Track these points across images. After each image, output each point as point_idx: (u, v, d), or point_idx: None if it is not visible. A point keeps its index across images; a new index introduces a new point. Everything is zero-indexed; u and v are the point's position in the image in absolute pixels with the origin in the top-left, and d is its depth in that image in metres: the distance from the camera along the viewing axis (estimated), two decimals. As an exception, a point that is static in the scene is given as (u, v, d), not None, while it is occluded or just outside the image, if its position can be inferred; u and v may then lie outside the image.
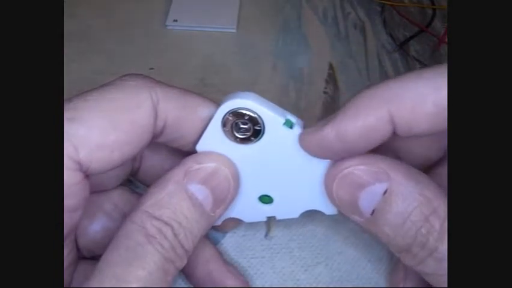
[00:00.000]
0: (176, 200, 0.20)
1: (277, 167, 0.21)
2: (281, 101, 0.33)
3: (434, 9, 0.40)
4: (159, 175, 0.22)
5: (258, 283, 0.25)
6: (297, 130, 0.20)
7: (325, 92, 0.34)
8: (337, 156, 0.20)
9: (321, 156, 0.20)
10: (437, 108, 0.18)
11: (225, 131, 0.20)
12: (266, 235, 0.26)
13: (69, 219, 0.19)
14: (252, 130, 0.20)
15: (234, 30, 0.38)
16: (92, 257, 0.23)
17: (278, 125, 0.20)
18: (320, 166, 0.21)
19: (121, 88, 0.20)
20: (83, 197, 0.19)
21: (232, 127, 0.20)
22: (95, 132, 0.19)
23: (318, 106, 0.33)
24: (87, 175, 0.19)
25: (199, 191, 0.20)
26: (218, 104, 0.21)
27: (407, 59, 0.37)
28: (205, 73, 0.35)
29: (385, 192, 0.19)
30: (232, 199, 0.21)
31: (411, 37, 0.38)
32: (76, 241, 0.22)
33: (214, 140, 0.21)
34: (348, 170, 0.20)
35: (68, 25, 0.37)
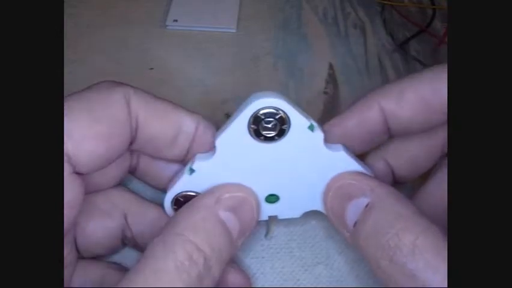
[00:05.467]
0: (210, 225, 0.20)
1: (290, 166, 0.22)
2: (281, 101, 0.33)
3: (434, 9, 0.40)
4: (158, 172, 0.23)
5: (258, 283, 0.25)
6: (317, 133, 0.21)
7: (325, 92, 0.34)
8: (343, 142, 0.23)
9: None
10: (416, 96, 0.21)
11: (250, 128, 0.21)
12: (266, 235, 0.26)
13: (65, 216, 0.19)
14: (277, 129, 0.21)
15: (234, 30, 0.38)
16: (92, 257, 0.23)
17: (303, 128, 0.21)
18: (330, 169, 0.22)
19: (96, 89, 0.21)
20: (77, 193, 0.19)
21: (258, 125, 0.21)
22: (79, 124, 0.19)
23: (318, 106, 0.33)
24: (79, 173, 0.19)
25: (229, 219, 0.21)
26: (186, 110, 0.22)
27: (407, 59, 0.37)
28: (205, 73, 0.35)
29: (367, 205, 0.20)
30: (252, 230, 0.22)
31: (411, 37, 0.38)
32: (74, 241, 0.22)
33: (237, 135, 0.21)
34: (342, 182, 0.22)
35: (68, 25, 0.37)
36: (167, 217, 0.23)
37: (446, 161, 0.24)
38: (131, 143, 0.21)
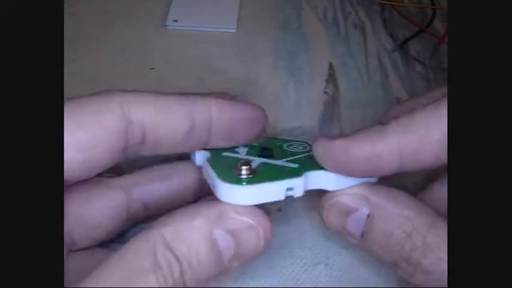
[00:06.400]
0: (197, 238, 0.18)
1: None
2: (281, 100, 0.33)
3: (434, 9, 0.40)
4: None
5: (258, 283, 0.25)
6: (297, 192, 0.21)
7: (325, 92, 0.34)
8: (340, 171, 0.21)
9: (324, 164, 0.21)
10: (443, 136, 0.18)
11: None
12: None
13: None
14: None
15: (234, 30, 0.38)
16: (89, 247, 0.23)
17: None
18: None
19: (93, 96, 0.20)
20: None
21: None
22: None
23: (318, 106, 0.33)
24: None
25: (223, 239, 0.19)
26: (196, 97, 0.21)
27: (407, 59, 0.37)
28: (205, 73, 0.35)
29: (369, 216, 0.20)
30: (255, 258, 0.21)
31: (411, 37, 0.38)
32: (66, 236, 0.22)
33: None
34: (334, 200, 0.21)
35: (68, 25, 0.37)
36: (174, 177, 0.24)
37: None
38: (141, 144, 0.20)
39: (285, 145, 0.24)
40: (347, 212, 0.21)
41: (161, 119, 0.20)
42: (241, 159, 0.22)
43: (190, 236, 0.18)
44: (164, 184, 0.24)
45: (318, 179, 0.21)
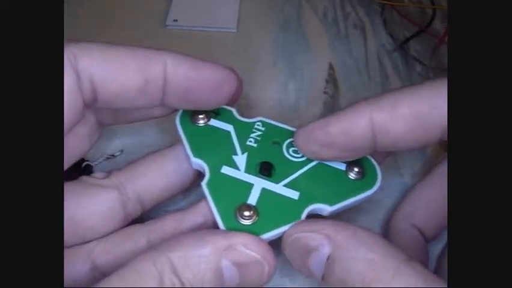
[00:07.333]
0: (204, 266, 0.18)
1: None
2: (281, 100, 0.33)
3: (434, 9, 0.40)
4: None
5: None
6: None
7: (325, 92, 0.34)
8: (322, 149, 0.22)
9: (308, 149, 0.22)
10: (412, 111, 0.19)
11: None
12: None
13: None
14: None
15: (234, 30, 0.38)
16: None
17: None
18: None
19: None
20: None
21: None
22: None
23: (318, 106, 0.33)
24: None
25: (229, 270, 0.19)
26: (149, 51, 0.20)
27: (407, 59, 0.37)
28: (205, 73, 0.35)
29: (329, 257, 0.19)
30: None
31: (411, 37, 0.38)
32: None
33: None
34: (294, 236, 0.20)
35: (68, 25, 0.37)
36: (169, 166, 0.23)
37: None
38: (93, 103, 0.19)
39: (284, 148, 0.24)
40: (307, 251, 0.19)
41: (111, 72, 0.19)
42: (242, 181, 0.22)
43: (198, 264, 0.18)
44: (159, 175, 0.23)
45: (315, 210, 0.22)
